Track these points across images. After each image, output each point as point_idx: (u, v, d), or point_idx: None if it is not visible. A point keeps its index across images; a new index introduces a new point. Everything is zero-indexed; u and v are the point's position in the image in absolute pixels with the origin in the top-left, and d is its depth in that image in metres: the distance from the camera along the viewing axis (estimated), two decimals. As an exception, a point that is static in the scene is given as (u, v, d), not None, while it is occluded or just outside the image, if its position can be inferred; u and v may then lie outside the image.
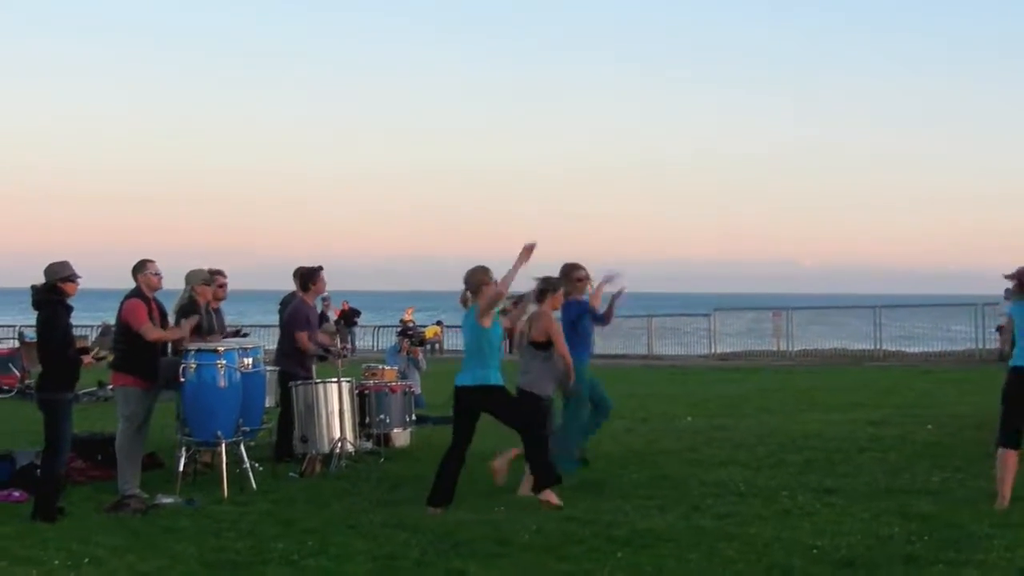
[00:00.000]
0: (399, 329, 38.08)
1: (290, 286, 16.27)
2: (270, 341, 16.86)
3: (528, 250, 11.81)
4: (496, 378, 11.82)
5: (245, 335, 15.76)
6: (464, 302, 12.08)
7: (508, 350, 13.89)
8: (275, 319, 17.41)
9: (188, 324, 13.39)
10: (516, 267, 11.81)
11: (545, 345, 12.71)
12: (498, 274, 11.88)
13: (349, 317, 53.48)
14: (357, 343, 50.81)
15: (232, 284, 15.75)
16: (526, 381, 12.75)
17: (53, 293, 11.80)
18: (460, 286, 12.18)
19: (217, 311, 14.92)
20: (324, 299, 16.12)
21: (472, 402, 11.82)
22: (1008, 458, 11.26)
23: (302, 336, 15.08)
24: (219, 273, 15.26)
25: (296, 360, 15.15)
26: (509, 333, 12.88)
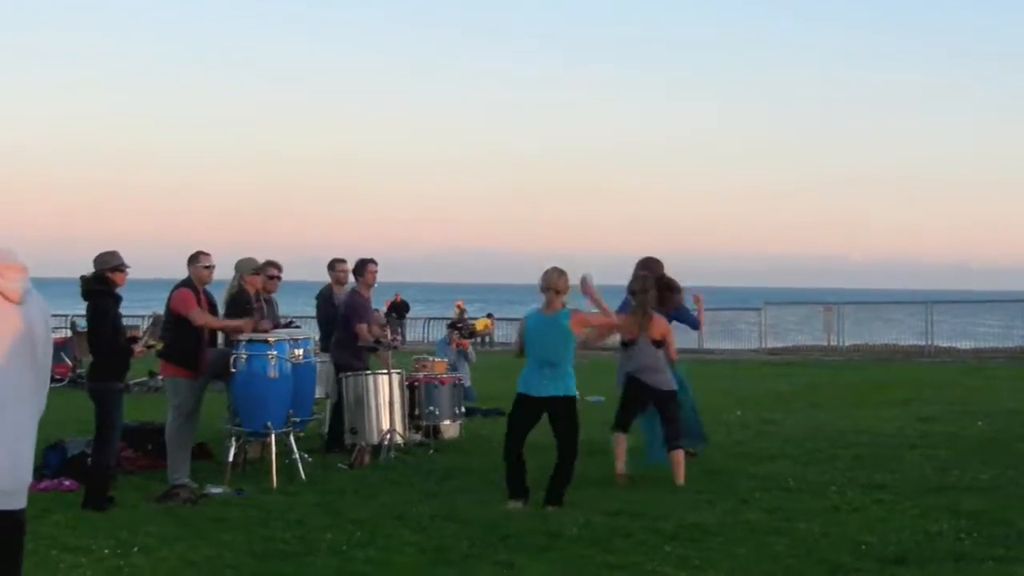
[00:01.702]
0: (449, 322, 38.12)
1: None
2: (315, 332, 16.85)
3: (586, 288, 11.77)
4: (574, 387, 11.73)
5: (297, 327, 15.81)
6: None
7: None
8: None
9: (246, 322, 13.40)
10: (597, 303, 11.87)
11: (661, 343, 13.01)
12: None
13: (400, 309, 53.61)
14: (407, 335, 50.96)
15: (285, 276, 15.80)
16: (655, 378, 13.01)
17: (102, 283, 11.85)
18: (507, 279, 12.13)
19: (269, 302, 14.95)
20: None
21: (547, 411, 11.72)
22: None
23: (363, 328, 15.09)
24: (274, 265, 15.31)
25: (352, 351, 15.16)
26: None
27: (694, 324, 14.96)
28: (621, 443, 12.90)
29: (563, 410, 11.64)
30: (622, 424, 13.07)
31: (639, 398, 13.14)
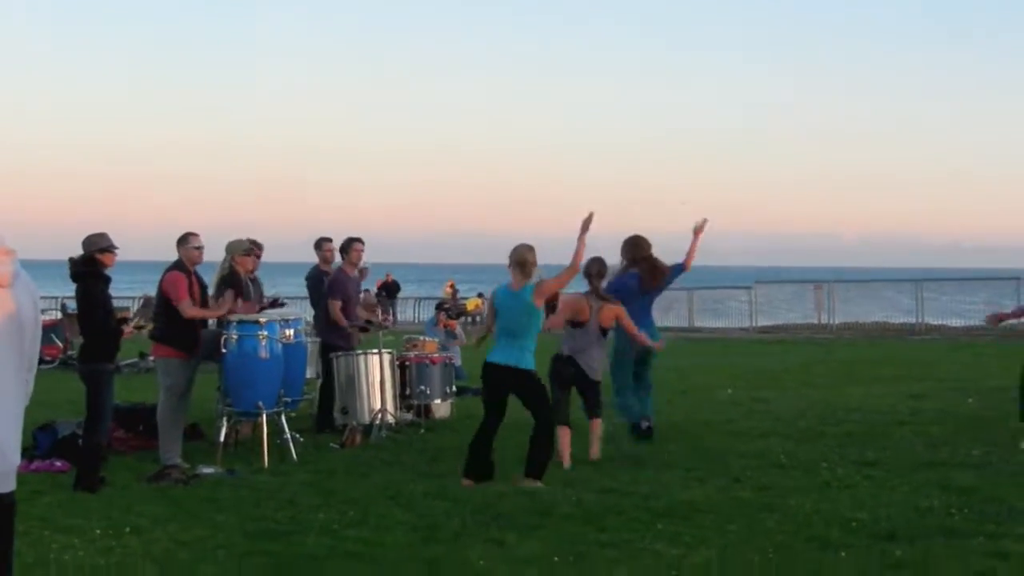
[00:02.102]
0: (436, 303, 38.15)
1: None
2: (306, 313, 16.89)
3: (587, 223, 11.78)
4: (531, 362, 11.74)
5: (283, 305, 15.79)
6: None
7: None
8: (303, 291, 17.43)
9: (225, 302, 13.39)
10: (581, 241, 11.80)
11: (607, 331, 13.12)
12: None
13: (391, 289, 53.64)
14: (398, 315, 51.04)
15: (279, 256, 15.82)
16: (590, 364, 13.04)
17: (91, 264, 11.83)
18: (501, 259, 12.11)
19: (255, 280, 14.93)
20: (362, 269, 16.08)
21: (504, 382, 11.79)
22: None
23: (336, 304, 15.07)
24: (254, 244, 15.26)
25: (337, 331, 15.15)
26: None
27: (681, 268, 14.77)
28: (565, 436, 12.72)
29: (519, 382, 11.68)
30: (562, 417, 12.75)
31: (566, 381, 13.07)
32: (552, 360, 13.04)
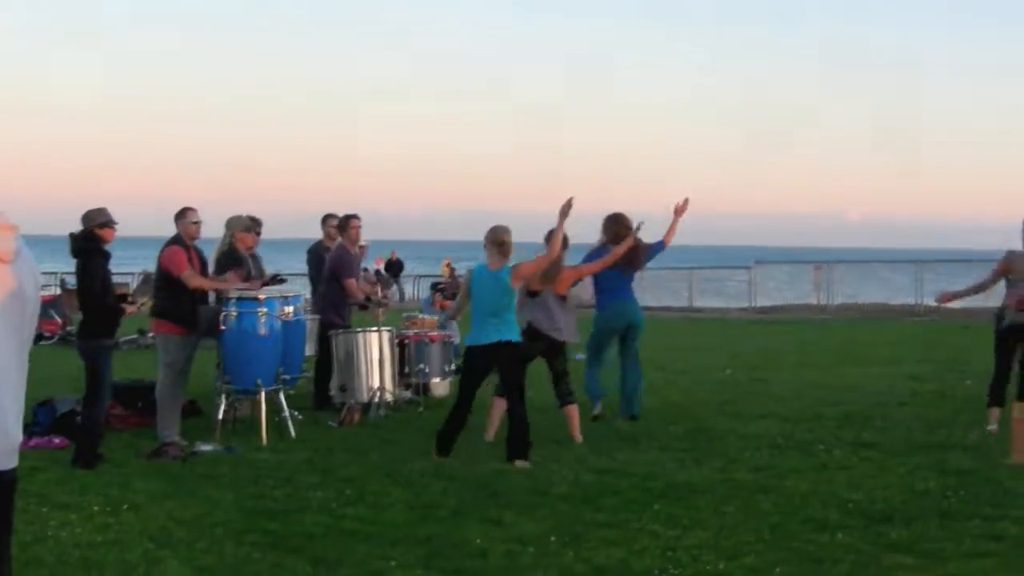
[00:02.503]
0: (432, 283, 38.14)
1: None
2: (305, 290, 16.89)
3: (566, 208, 11.98)
4: (516, 334, 11.90)
5: (283, 281, 15.77)
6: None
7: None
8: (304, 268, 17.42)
9: (233, 276, 13.40)
10: (559, 226, 12.03)
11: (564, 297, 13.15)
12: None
13: (395, 268, 53.72)
14: (405, 294, 51.23)
15: (279, 233, 15.81)
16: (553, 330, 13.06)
17: (90, 240, 11.83)
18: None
19: (254, 257, 14.91)
20: (361, 247, 16.07)
21: (489, 360, 11.86)
22: None
23: (351, 283, 15.05)
24: (254, 220, 15.23)
25: (334, 308, 15.11)
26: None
27: (661, 245, 14.81)
28: (498, 408, 12.80)
29: (509, 354, 11.79)
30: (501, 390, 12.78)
31: (533, 349, 13.05)
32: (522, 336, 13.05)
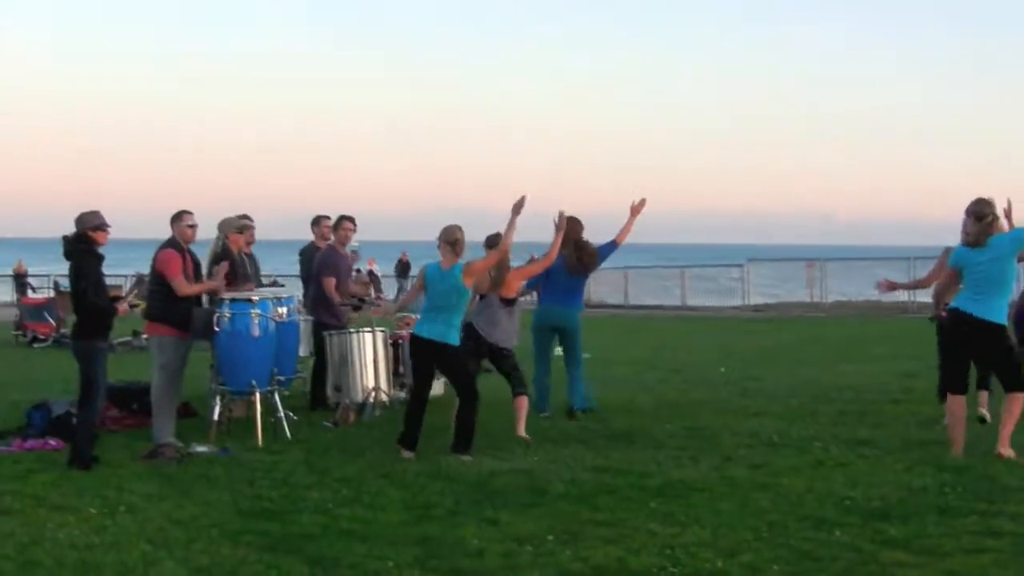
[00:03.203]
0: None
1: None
2: (299, 291, 16.89)
3: (519, 205, 12.25)
4: (456, 338, 12.12)
5: (281, 286, 15.76)
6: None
7: None
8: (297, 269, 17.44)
9: (220, 272, 13.37)
10: (512, 223, 12.26)
11: (512, 301, 13.21)
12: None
13: (403, 269, 53.76)
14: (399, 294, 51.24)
15: (271, 233, 15.79)
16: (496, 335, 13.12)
17: (84, 242, 11.82)
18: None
19: (250, 257, 14.90)
20: (354, 251, 16.11)
21: (429, 355, 12.14)
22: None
23: (330, 282, 15.03)
24: (246, 218, 15.22)
25: (327, 309, 15.09)
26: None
27: (613, 244, 14.88)
28: (519, 405, 13.12)
29: (443, 357, 12.08)
30: None
31: (474, 349, 13.15)
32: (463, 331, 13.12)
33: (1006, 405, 11.58)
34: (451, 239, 12.03)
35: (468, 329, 12.99)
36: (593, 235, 14.62)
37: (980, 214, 11.46)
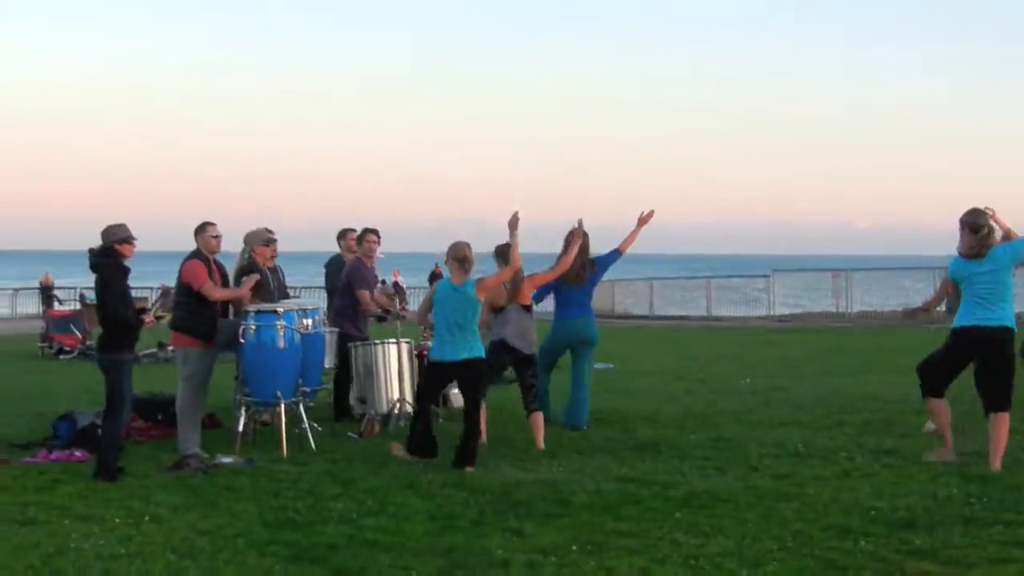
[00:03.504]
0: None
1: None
2: (323, 302, 16.94)
3: (514, 221, 12.53)
4: (482, 350, 12.31)
5: (296, 297, 15.79)
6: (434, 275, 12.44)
7: None
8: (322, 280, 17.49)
9: (249, 282, 13.40)
10: (514, 239, 12.61)
11: (530, 308, 13.56)
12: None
13: (435, 280, 54.02)
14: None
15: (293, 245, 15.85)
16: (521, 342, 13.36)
17: (110, 255, 11.86)
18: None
19: (274, 270, 14.94)
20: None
21: (455, 374, 12.37)
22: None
23: (364, 294, 15.05)
24: (268, 232, 15.28)
25: (351, 320, 15.11)
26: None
27: (616, 254, 14.96)
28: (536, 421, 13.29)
29: (472, 372, 12.16)
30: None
31: (502, 367, 13.63)
32: (489, 348, 13.16)
33: (995, 426, 11.55)
34: (459, 256, 12.13)
35: (501, 344, 13.18)
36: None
37: (975, 226, 11.45)
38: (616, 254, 14.88)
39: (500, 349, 13.26)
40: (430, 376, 12.52)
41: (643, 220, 14.86)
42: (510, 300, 13.23)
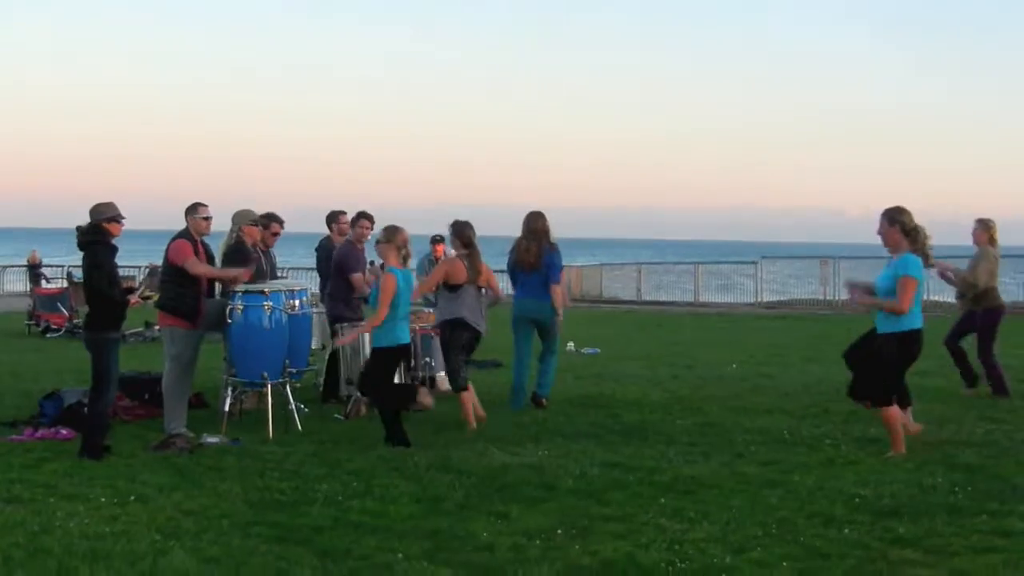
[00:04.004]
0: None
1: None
2: (312, 284, 16.93)
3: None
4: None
5: (284, 278, 15.79)
6: (406, 259, 12.67)
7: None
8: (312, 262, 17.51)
9: (243, 272, 13.38)
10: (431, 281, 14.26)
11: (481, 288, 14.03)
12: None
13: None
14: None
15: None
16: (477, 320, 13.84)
17: (97, 234, 11.84)
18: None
19: (267, 254, 14.94)
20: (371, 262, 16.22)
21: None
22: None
23: (358, 278, 15.04)
24: (275, 220, 15.32)
25: (344, 302, 15.11)
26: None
27: (557, 268, 15.04)
28: (469, 397, 13.59)
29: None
30: (463, 382, 13.62)
31: (461, 341, 13.73)
32: (445, 327, 13.72)
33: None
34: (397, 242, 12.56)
35: (459, 322, 13.60)
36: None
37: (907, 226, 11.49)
38: (557, 269, 14.99)
39: (458, 326, 13.58)
40: (393, 362, 12.67)
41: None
42: (469, 280, 13.65)
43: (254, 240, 14.38)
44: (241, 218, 14.25)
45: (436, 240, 19.80)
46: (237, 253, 13.88)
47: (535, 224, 14.84)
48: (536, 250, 14.70)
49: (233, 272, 13.30)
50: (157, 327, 15.00)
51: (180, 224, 13.06)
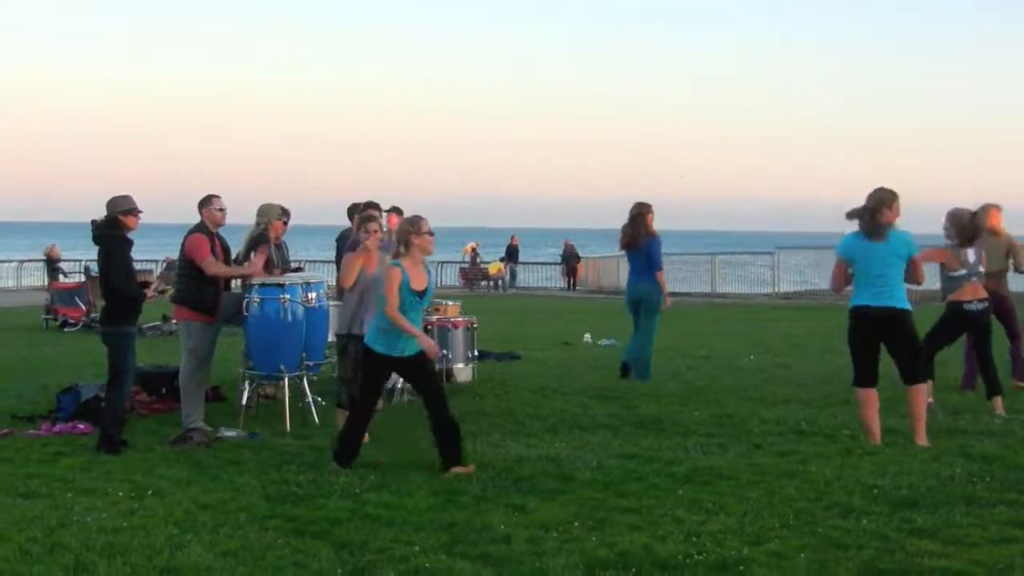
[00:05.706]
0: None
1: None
2: (331, 276, 16.91)
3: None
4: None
5: (300, 270, 15.77)
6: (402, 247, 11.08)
7: None
8: (332, 255, 17.46)
9: (255, 261, 13.39)
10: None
11: None
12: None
13: (513, 253, 54.03)
14: (521, 278, 52.35)
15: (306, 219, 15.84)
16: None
17: (114, 227, 11.84)
18: (515, 223, 12.44)
19: (279, 246, 14.94)
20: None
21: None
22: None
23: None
24: (283, 211, 15.30)
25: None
26: None
27: (656, 259, 16.65)
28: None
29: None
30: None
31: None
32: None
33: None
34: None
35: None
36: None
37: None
38: (657, 260, 16.54)
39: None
40: (375, 367, 11.10)
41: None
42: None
43: (278, 235, 14.36)
44: (269, 212, 14.17)
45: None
46: (259, 244, 13.86)
47: (634, 211, 16.61)
48: (631, 232, 16.44)
49: (246, 270, 13.27)
50: (174, 321, 15.01)
51: (195, 218, 13.03)
